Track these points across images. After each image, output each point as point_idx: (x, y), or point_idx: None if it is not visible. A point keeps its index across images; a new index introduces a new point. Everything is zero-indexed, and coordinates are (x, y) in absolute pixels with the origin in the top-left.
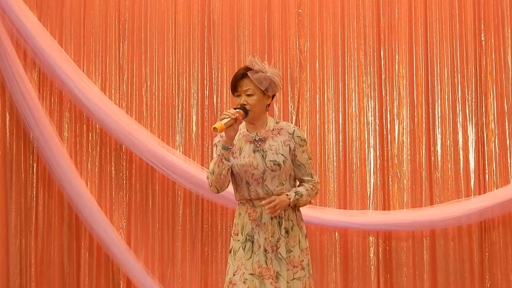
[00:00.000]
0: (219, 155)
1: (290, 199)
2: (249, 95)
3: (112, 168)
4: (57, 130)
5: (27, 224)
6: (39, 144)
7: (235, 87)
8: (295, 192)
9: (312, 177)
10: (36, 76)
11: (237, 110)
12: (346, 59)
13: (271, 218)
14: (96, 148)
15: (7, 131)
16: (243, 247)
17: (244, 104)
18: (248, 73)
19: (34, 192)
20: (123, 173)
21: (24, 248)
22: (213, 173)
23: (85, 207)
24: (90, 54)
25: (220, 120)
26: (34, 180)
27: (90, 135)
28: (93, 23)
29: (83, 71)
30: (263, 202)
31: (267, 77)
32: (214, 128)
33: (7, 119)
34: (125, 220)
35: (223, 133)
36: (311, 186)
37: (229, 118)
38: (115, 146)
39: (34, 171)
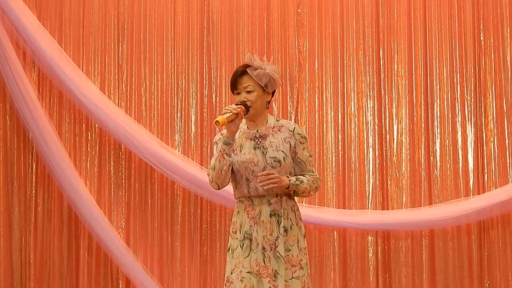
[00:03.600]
0: (220, 150)
1: (290, 181)
2: (249, 92)
3: (111, 168)
4: (56, 130)
5: (27, 223)
6: (38, 143)
7: (234, 85)
8: (296, 178)
9: (313, 173)
10: (35, 76)
11: (238, 105)
12: (345, 58)
13: (270, 216)
14: (95, 148)
15: (7, 131)
16: (241, 245)
17: (245, 101)
18: (248, 69)
19: (34, 191)
20: (122, 172)
21: (24, 247)
22: (214, 169)
23: (84, 207)
24: (89, 54)
25: (222, 114)
26: (34, 179)
27: (89, 134)
28: (92, 23)
29: (82, 71)
30: (260, 173)
31: (266, 74)
32: (216, 121)
33: (7, 119)
34: (124, 220)
35: (223, 131)
36: (312, 179)
37: (231, 113)
38: (114, 145)
39: (33, 170)
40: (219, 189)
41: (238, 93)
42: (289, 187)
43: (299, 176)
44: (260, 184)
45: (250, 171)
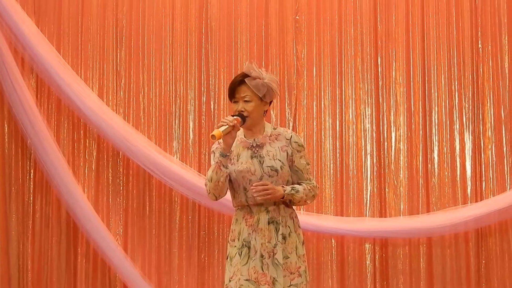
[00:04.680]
0: (217, 162)
1: (285, 191)
2: (246, 102)
3: (109, 174)
4: (55, 136)
5: (24, 230)
6: (36, 150)
7: (232, 94)
8: (291, 187)
9: (310, 181)
10: (33, 82)
11: (235, 117)
12: (343, 65)
13: (268, 223)
14: (93, 154)
15: (5, 137)
16: (240, 253)
17: (242, 111)
18: (246, 79)
19: (31, 198)
20: (120, 179)
21: (22, 254)
22: (211, 180)
23: (82, 213)
24: (88, 60)
25: (218, 128)
26: (31, 186)
27: (87, 141)
28: (91, 29)
29: (81, 77)
30: (254, 184)
31: (264, 84)
32: (213, 135)
33: (5, 125)
34: (122, 226)
35: (221, 140)
36: (309, 187)
37: (227, 125)
38: (112, 152)
39: (31, 177)
40: (216, 200)
41: (236, 102)
42: (283, 197)
43: (294, 185)
44: (254, 195)
45: (247, 180)
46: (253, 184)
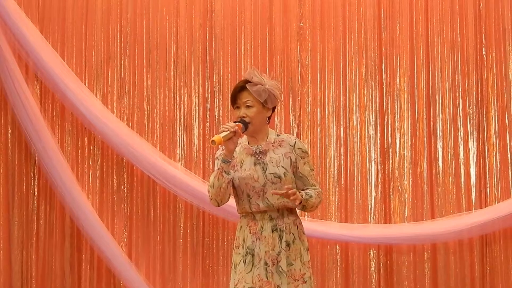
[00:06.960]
0: (219, 168)
1: (302, 196)
2: (248, 107)
3: (114, 181)
4: (59, 143)
5: (29, 236)
6: (41, 156)
7: (234, 100)
8: (305, 193)
9: (315, 187)
10: (38, 89)
11: (236, 123)
12: (347, 72)
13: (272, 231)
14: (98, 161)
15: (9, 144)
16: (244, 261)
17: (244, 117)
18: (247, 85)
19: (36, 204)
20: (125, 186)
21: (26, 261)
22: (213, 186)
23: (86, 220)
24: (92, 67)
25: (219, 133)
26: (36, 192)
27: (91, 148)
28: (95, 36)
29: (85, 84)
30: (286, 187)
31: (266, 89)
32: (212, 141)
33: (9, 132)
34: (126, 233)
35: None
36: (316, 192)
37: (228, 131)
38: (117, 159)
39: (36, 183)
40: (219, 205)
41: (238, 107)
42: (301, 202)
43: (307, 191)
44: (292, 201)
45: (250, 187)
46: (286, 187)
